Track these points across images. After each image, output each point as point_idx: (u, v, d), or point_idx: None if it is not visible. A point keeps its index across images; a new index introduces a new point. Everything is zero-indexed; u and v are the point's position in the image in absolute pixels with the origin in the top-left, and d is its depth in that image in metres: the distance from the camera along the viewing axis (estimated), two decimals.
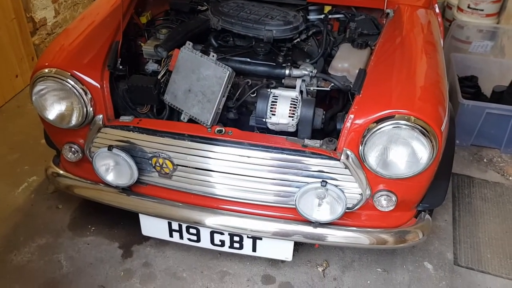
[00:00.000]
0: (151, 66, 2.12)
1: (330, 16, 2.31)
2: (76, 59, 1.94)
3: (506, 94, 2.99)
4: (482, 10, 4.23)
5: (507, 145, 3.02)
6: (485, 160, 3.01)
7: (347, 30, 2.29)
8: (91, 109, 1.90)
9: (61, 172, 2.17)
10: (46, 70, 1.88)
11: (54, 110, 1.91)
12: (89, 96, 1.89)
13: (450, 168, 2.08)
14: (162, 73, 2.04)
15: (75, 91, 1.86)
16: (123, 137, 1.90)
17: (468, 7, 4.28)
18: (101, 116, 1.92)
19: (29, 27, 3.65)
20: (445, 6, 4.87)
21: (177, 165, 1.89)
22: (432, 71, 1.92)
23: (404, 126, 1.66)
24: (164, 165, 1.90)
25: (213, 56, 1.90)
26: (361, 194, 1.83)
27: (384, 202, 1.86)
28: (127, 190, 2.03)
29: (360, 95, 1.80)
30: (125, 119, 1.91)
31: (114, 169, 1.96)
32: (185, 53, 1.94)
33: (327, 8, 2.33)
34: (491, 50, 3.74)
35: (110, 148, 1.88)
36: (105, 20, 2.21)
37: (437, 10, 2.39)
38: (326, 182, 1.77)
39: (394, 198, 1.85)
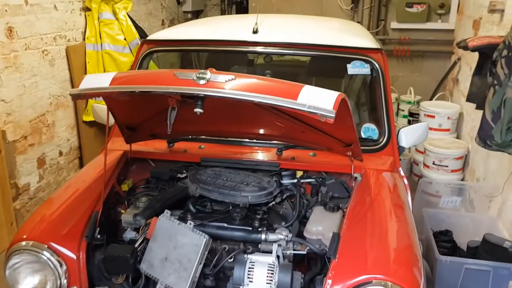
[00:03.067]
0: (129, 234, 2.14)
1: (302, 181, 2.44)
2: (54, 230, 1.97)
3: (481, 249, 3.04)
4: (447, 166, 4.52)
5: None
6: None
7: (319, 193, 2.40)
8: (65, 281, 1.88)
9: None
10: (23, 243, 1.90)
11: (26, 284, 1.88)
12: (64, 267, 1.88)
13: None
14: (139, 241, 2.05)
15: (50, 263, 1.86)
16: None
17: (433, 163, 4.57)
18: None
19: (12, 193, 3.72)
20: (412, 163, 5.19)
21: None
22: (403, 233, 1.99)
23: None
24: None
25: (190, 223, 1.95)
26: None
27: None
28: None
29: (336, 260, 1.82)
30: None
31: None
32: (162, 221, 1.99)
33: (299, 173, 2.47)
34: (461, 204, 3.90)
35: None
36: (88, 189, 2.29)
37: (402, 173, 2.56)
38: None
39: None
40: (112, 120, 2.38)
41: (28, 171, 3.95)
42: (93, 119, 4.54)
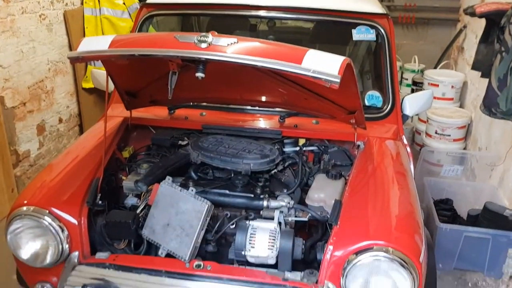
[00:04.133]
0: (131, 200, 2.13)
1: (304, 149, 2.42)
2: (55, 196, 1.96)
3: (481, 217, 3.06)
4: (449, 135, 4.49)
5: (489, 268, 3.00)
6: (470, 284, 2.97)
7: (321, 161, 2.39)
8: (67, 246, 1.87)
9: None
10: (24, 208, 1.89)
11: (28, 249, 1.88)
12: (66, 233, 1.87)
13: None
14: (141, 207, 2.05)
15: (51, 228, 1.85)
16: (98, 275, 1.84)
17: (436, 132, 4.54)
18: (76, 253, 1.89)
19: (12, 159, 3.71)
20: (414, 132, 5.16)
21: None
22: (405, 200, 1.98)
23: (383, 258, 1.67)
24: None
25: (192, 190, 1.94)
26: None
27: None
28: None
29: (338, 226, 1.82)
30: (101, 256, 1.88)
31: None
32: (164, 187, 1.98)
33: (302, 141, 2.45)
34: (462, 173, 3.90)
35: (84, 287, 1.81)
36: (88, 155, 2.26)
37: (405, 141, 2.53)
38: None
39: None
40: (111, 86, 2.34)
41: (28, 138, 3.93)
42: (92, 86, 4.49)
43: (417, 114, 4.93)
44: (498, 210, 3.00)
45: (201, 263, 1.81)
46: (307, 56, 1.66)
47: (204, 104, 2.68)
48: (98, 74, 2.80)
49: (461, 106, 4.99)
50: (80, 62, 1.85)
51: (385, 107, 2.60)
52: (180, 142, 2.46)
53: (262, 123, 2.56)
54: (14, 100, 3.71)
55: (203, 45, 1.69)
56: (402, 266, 1.66)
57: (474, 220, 3.13)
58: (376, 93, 2.64)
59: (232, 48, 1.69)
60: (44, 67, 4.09)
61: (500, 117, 2.58)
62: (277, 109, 2.59)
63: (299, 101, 2.36)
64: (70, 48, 4.48)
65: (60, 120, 4.41)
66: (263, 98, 2.52)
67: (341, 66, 1.62)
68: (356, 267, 1.69)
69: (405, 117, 2.60)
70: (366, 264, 1.68)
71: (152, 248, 2.02)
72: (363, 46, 3.15)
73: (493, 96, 2.56)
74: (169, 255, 1.88)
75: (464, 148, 4.58)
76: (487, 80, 2.81)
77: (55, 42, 4.24)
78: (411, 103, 2.61)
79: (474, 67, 3.19)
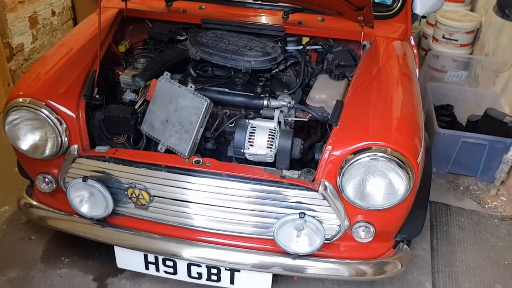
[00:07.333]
0: (129, 96, 2.10)
1: (308, 47, 2.34)
2: (51, 88, 1.91)
3: (481, 123, 3.05)
4: (457, 40, 4.35)
5: (482, 173, 3.07)
6: (461, 188, 3.05)
7: (324, 61, 2.31)
8: (66, 139, 1.87)
9: (34, 203, 2.11)
10: (21, 100, 1.85)
11: (27, 140, 1.87)
12: (64, 126, 1.86)
13: (427, 198, 2.10)
14: (139, 103, 2.02)
15: (49, 121, 1.83)
16: (98, 168, 1.87)
17: (443, 37, 4.40)
18: (76, 146, 1.89)
19: (6, 52, 3.60)
20: (420, 36, 5.00)
21: (154, 196, 1.86)
22: (408, 102, 1.95)
23: (381, 158, 1.68)
24: (140, 196, 1.87)
25: (191, 86, 1.90)
26: (339, 225, 1.82)
27: (363, 234, 1.85)
28: (102, 221, 1.98)
29: (338, 127, 1.81)
30: (100, 149, 1.88)
31: (88, 200, 1.91)
32: (163, 83, 1.94)
33: (305, 40, 2.36)
34: (465, 80, 3.84)
35: (84, 179, 1.84)
36: (83, 47, 2.19)
37: (412, 42, 2.44)
38: (304, 214, 1.76)
39: (372, 229, 1.84)
40: None
41: (21, 31, 3.79)
42: None
43: (425, 17, 4.75)
44: (498, 116, 2.99)
45: (200, 159, 1.82)
46: None
47: None
48: None
49: (472, 10, 4.78)
50: None
51: (395, 4, 2.46)
52: (178, 37, 2.37)
53: (265, 18, 2.44)
54: None
55: None
56: (399, 166, 1.67)
57: (473, 126, 3.13)
58: None
59: None
60: None
61: None
62: (281, 4, 2.45)
63: None
64: None
65: (53, 13, 4.22)
66: None
67: None
68: (354, 166, 1.70)
69: (414, 17, 2.48)
70: (364, 163, 1.69)
71: (151, 144, 2.03)
72: None
73: None
74: (168, 151, 1.90)
75: (471, 54, 4.46)
76: None
77: None
78: (422, 1, 2.47)
79: None
